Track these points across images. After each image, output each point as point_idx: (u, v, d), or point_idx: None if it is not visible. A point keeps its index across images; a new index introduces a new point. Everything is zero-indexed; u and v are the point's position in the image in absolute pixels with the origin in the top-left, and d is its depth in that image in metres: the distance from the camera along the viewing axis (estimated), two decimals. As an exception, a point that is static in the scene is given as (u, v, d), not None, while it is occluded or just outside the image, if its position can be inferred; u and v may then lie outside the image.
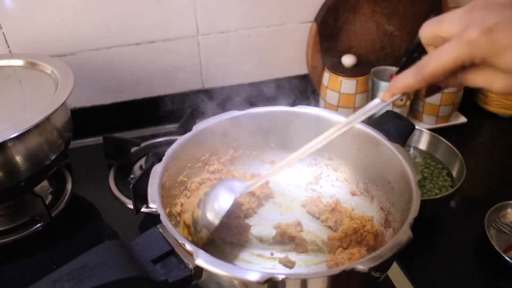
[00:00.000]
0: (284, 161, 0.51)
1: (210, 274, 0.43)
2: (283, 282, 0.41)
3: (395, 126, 0.62)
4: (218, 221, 0.51)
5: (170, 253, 0.44)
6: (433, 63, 0.40)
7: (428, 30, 0.42)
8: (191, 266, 0.43)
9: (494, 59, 0.37)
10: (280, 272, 0.42)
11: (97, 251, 0.41)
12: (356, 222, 0.58)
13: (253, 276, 0.40)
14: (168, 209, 0.56)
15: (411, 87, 0.43)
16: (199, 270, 0.43)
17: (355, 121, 0.48)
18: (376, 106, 0.47)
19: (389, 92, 0.45)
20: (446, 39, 0.40)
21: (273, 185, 0.69)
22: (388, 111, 0.67)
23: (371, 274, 0.43)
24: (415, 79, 0.42)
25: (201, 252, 0.43)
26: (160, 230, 0.46)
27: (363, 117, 0.48)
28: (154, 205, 0.49)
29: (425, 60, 0.41)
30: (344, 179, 0.67)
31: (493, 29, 0.36)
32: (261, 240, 0.61)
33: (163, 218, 0.47)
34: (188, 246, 0.43)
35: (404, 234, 0.45)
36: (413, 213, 0.47)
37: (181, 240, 0.44)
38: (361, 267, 0.41)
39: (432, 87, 0.46)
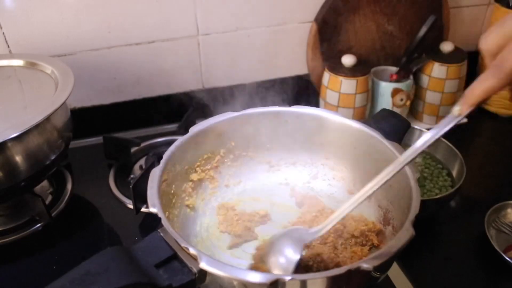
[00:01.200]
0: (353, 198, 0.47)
1: (214, 277, 0.42)
2: (285, 282, 0.40)
3: (391, 124, 0.62)
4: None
5: (173, 257, 0.44)
6: None
7: (492, 38, 0.37)
8: (194, 270, 0.43)
9: None
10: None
11: (99, 258, 0.41)
12: (361, 224, 0.57)
13: (255, 277, 0.40)
14: (167, 212, 0.56)
15: (492, 90, 0.37)
16: (202, 273, 0.43)
17: (428, 143, 0.42)
18: (451, 121, 0.40)
19: (466, 104, 0.38)
20: None
21: (270, 185, 0.69)
22: (383, 109, 0.66)
23: (371, 274, 0.43)
24: (497, 79, 0.36)
25: (204, 255, 0.42)
26: (162, 234, 0.45)
27: (436, 137, 0.42)
28: (154, 209, 0.48)
29: (501, 56, 0.36)
30: (341, 178, 0.67)
31: None
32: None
33: (164, 222, 0.46)
34: (192, 250, 0.43)
35: (407, 231, 0.44)
36: (414, 210, 0.47)
37: (184, 244, 0.43)
38: (365, 265, 0.41)
39: None
